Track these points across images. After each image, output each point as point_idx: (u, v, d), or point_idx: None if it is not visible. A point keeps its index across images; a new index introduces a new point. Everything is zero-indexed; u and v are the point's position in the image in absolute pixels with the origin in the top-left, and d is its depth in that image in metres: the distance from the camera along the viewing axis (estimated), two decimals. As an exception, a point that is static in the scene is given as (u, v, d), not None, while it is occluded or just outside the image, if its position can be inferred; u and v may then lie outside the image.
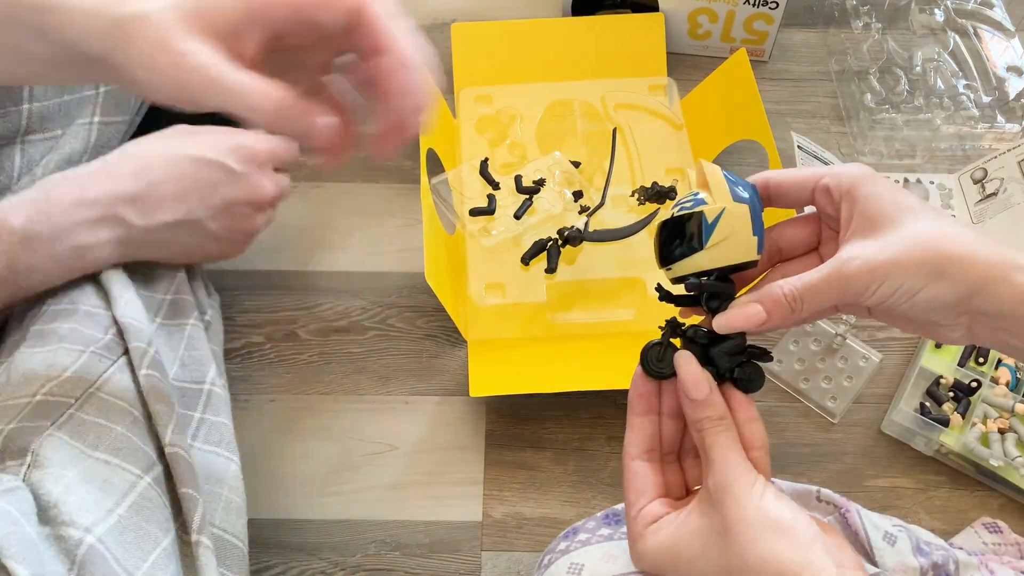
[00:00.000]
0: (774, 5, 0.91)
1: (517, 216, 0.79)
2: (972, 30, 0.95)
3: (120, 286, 0.57)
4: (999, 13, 0.97)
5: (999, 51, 0.94)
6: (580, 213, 0.80)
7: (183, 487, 0.48)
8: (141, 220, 0.57)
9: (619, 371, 0.73)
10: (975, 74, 0.92)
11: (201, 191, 0.59)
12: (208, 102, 0.44)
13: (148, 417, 0.51)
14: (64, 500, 0.42)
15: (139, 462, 0.47)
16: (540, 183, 0.82)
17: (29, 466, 0.44)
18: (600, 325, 0.77)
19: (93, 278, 0.57)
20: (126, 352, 0.53)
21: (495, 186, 0.82)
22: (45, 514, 0.42)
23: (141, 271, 0.61)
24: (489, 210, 0.80)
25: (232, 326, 0.77)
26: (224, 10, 0.44)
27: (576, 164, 0.85)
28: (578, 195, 0.81)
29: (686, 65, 0.91)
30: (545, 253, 0.77)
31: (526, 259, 0.77)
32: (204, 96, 0.43)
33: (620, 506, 0.52)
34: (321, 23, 0.45)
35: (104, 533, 0.42)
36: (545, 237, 0.78)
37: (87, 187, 0.55)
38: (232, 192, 0.60)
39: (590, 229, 0.78)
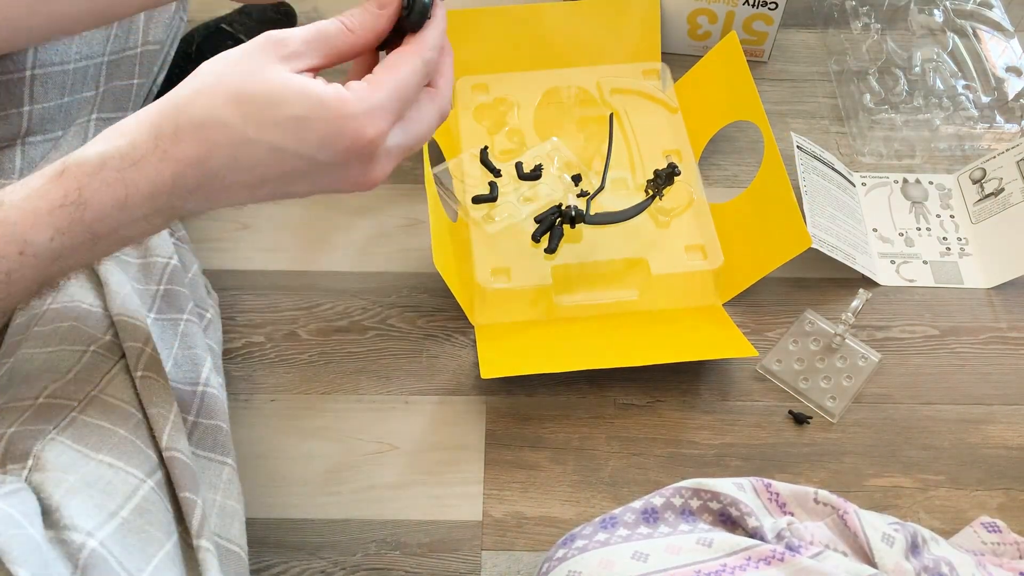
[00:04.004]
0: (773, 6, 0.91)
1: (522, 177, 0.82)
2: (971, 30, 0.95)
3: (117, 282, 0.57)
4: (998, 13, 0.97)
5: (998, 51, 0.94)
6: (579, 196, 0.81)
7: (182, 491, 0.48)
8: (203, 207, 0.45)
9: (624, 350, 0.74)
10: (974, 74, 0.92)
11: (279, 183, 0.45)
12: None
13: (148, 419, 0.51)
14: (66, 504, 0.42)
15: (142, 465, 0.47)
16: (539, 169, 0.82)
17: (30, 469, 0.44)
18: (604, 306, 0.78)
19: (91, 271, 0.57)
20: (124, 353, 0.53)
21: (496, 173, 0.83)
22: (47, 518, 0.42)
23: (131, 262, 0.61)
24: (491, 197, 0.81)
25: (232, 326, 0.77)
26: None
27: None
28: (577, 179, 0.82)
29: (685, 65, 0.92)
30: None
31: (536, 236, 0.79)
32: None
33: (618, 510, 0.52)
34: None
35: (107, 537, 0.42)
36: (549, 210, 0.79)
37: (134, 185, 0.43)
38: (324, 183, 0.47)
39: (591, 212, 0.79)
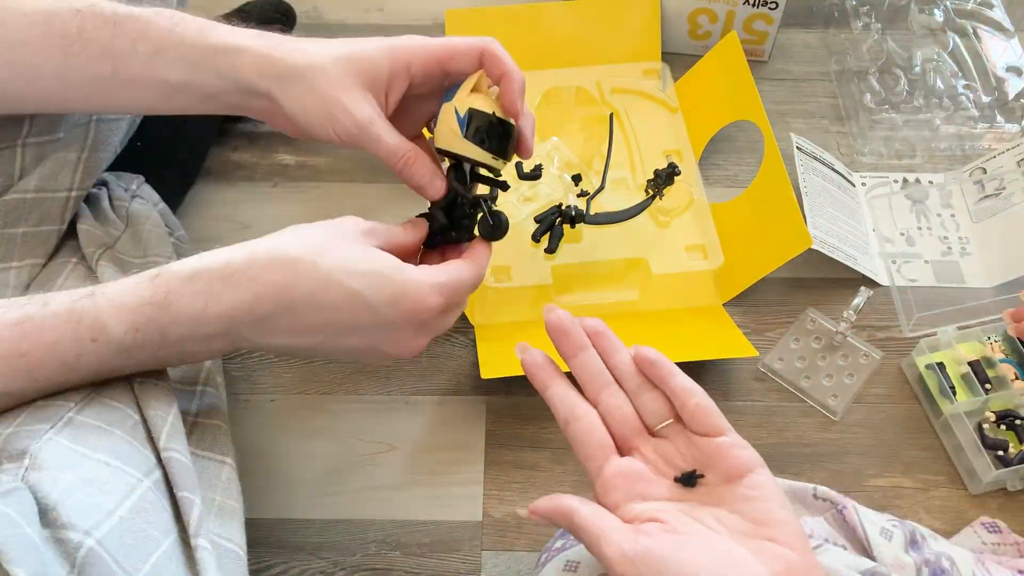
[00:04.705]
0: (774, 5, 0.91)
1: (522, 177, 0.83)
2: (971, 30, 0.95)
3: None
4: (998, 13, 0.97)
5: (998, 51, 0.94)
6: (579, 196, 0.80)
7: (180, 491, 0.48)
8: (258, 339, 0.50)
9: None
10: (974, 74, 0.92)
11: (342, 329, 0.51)
12: (351, 142, 0.55)
13: (147, 421, 0.51)
14: (63, 502, 0.42)
15: (140, 464, 0.47)
16: (539, 169, 0.82)
17: (27, 468, 0.44)
18: (604, 306, 0.78)
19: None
20: None
21: (496, 173, 0.82)
22: (44, 517, 0.41)
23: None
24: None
25: (232, 326, 0.77)
26: (377, 63, 0.55)
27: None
28: (577, 179, 0.82)
29: (686, 65, 0.92)
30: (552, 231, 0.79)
31: (536, 236, 0.78)
32: (350, 138, 0.55)
33: None
34: (453, 70, 0.56)
35: (104, 536, 0.42)
36: (549, 210, 0.79)
37: (216, 298, 0.48)
38: (376, 340, 0.52)
39: (591, 212, 0.79)
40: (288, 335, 0.50)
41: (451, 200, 0.58)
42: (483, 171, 0.58)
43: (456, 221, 0.58)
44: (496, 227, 0.59)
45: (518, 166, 0.83)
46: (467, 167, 0.58)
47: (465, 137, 0.55)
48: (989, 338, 0.75)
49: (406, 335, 0.52)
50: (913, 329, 0.77)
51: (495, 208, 0.59)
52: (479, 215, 0.59)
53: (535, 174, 0.82)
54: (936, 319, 0.76)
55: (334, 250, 0.49)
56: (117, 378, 0.52)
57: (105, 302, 0.47)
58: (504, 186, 0.61)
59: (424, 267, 0.52)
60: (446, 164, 0.59)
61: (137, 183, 0.72)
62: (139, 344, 0.47)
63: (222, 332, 0.48)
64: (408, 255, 0.56)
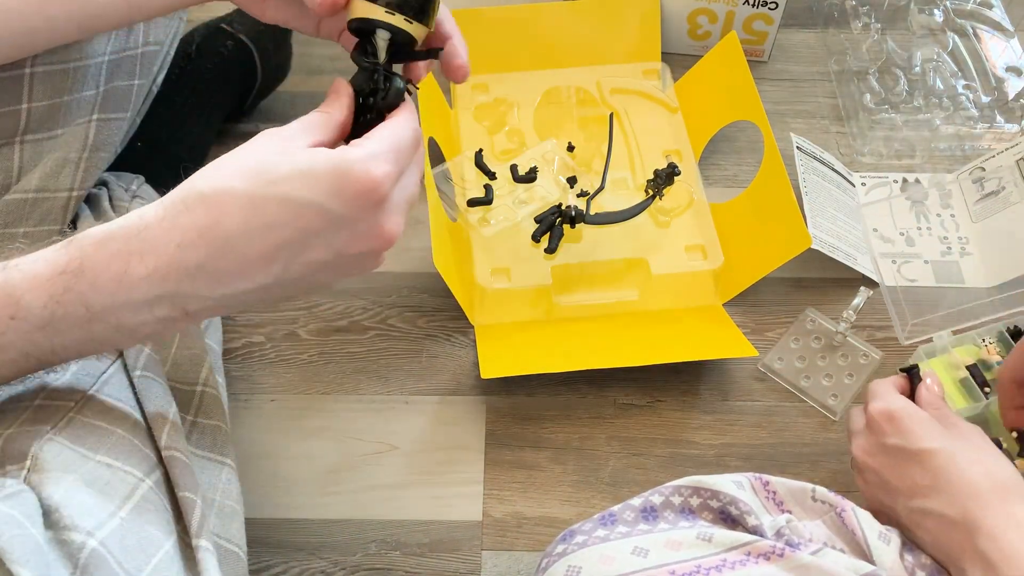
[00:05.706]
0: (773, 5, 0.91)
1: (518, 180, 0.82)
2: (971, 30, 0.95)
3: None
4: (998, 13, 0.97)
5: (998, 51, 0.94)
6: (579, 196, 0.80)
7: (181, 491, 0.48)
8: (207, 293, 0.44)
9: (624, 350, 0.75)
10: (974, 74, 0.92)
11: (295, 247, 0.44)
12: None
13: (147, 419, 0.51)
14: (65, 504, 0.42)
15: (141, 464, 0.47)
16: (534, 171, 0.82)
17: (29, 470, 0.44)
18: (604, 306, 0.78)
19: None
20: (122, 352, 0.53)
21: (491, 176, 0.83)
22: (47, 518, 0.41)
23: None
24: (486, 200, 0.80)
25: (232, 326, 0.77)
26: None
27: (570, 148, 0.86)
28: (572, 181, 0.82)
29: (685, 65, 0.92)
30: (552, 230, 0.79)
31: (536, 236, 0.78)
32: None
33: (616, 507, 0.52)
34: None
35: (106, 536, 0.42)
36: (549, 209, 0.79)
37: (137, 257, 0.42)
38: (341, 242, 0.44)
39: (591, 212, 0.79)
40: (239, 278, 0.43)
41: (363, 83, 0.50)
42: (394, 39, 0.50)
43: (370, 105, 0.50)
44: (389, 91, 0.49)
45: (513, 169, 0.82)
46: (378, 41, 0.50)
47: None
48: (984, 340, 0.75)
49: (370, 222, 0.44)
50: (908, 336, 0.77)
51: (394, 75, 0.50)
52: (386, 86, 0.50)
53: (530, 177, 0.82)
54: (930, 325, 0.76)
55: (250, 168, 0.43)
56: (115, 373, 0.52)
57: (18, 275, 0.42)
58: (432, 54, 0.52)
59: (352, 142, 0.45)
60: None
61: (137, 183, 0.72)
62: (61, 318, 0.43)
63: (158, 296, 0.43)
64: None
